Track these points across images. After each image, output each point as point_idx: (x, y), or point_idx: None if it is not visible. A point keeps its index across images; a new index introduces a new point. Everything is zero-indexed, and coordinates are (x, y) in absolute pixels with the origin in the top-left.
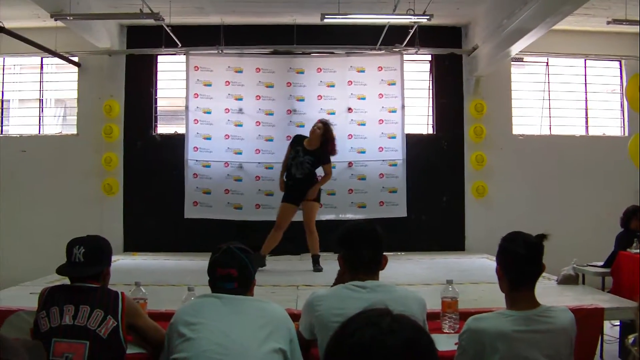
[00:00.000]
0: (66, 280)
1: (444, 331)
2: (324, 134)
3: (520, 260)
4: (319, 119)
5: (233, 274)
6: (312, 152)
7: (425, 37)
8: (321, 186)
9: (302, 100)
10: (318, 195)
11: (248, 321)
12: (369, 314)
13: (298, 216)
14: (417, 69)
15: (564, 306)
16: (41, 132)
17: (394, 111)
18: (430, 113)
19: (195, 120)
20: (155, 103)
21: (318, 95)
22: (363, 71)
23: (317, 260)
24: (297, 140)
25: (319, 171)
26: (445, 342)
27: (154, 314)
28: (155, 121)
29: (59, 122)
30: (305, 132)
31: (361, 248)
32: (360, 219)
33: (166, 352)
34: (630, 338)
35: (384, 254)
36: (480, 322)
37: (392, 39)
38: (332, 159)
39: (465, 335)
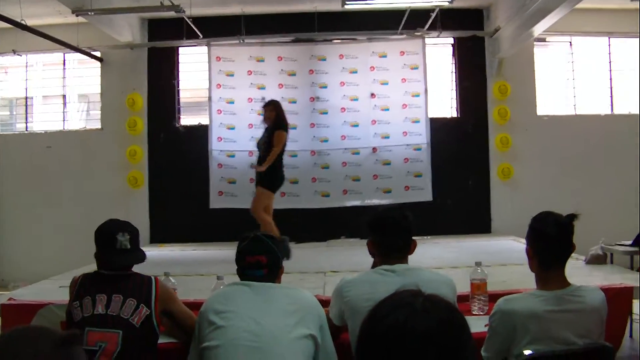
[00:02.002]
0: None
1: (474, 313)
2: (275, 109)
3: (550, 240)
4: (265, 102)
5: (262, 261)
6: (269, 128)
7: (446, 20)
8: (270, 157)
9: (325, 87)
10: (268, 182)
11: (278, 308)
12: (402, 295)
13: (324, 203)
14: (439, 52)
15: (594, 285)
16: (65, 128)
17: (417, 95)
18: (454, 96)
19: (218, 110)
20: (178, 95)
21: (341, 82)
22: (385, 56)
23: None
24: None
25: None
26: (474, 324)
27: (184, 303)
28: (179, 113)
29: (83, 117)
30: (329, 119)
31: (392, 234)
32: (390, 205)
33: (196, 341)
34: None
35: (413, 238)
36: (511, 303)
37: (413, 23)
38: (357, 144)
39: (496, 317)
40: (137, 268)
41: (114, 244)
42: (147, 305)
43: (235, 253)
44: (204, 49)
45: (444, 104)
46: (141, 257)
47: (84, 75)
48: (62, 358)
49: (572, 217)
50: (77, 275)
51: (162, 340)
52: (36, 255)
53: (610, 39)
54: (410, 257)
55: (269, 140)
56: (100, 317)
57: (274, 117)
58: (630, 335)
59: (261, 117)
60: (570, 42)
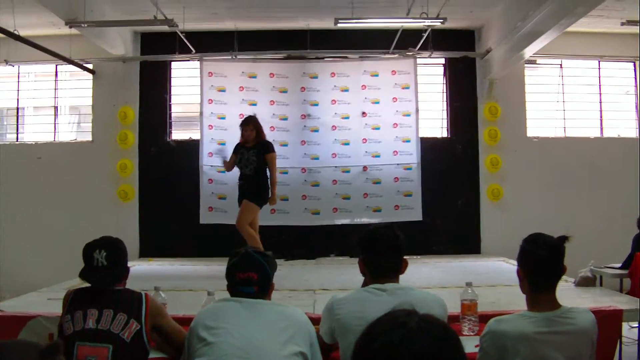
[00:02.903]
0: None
1: (464, 333)
2: (255, 127)
3: (541, 262)
4: (244, 118)
5: (253, 278)
6: (253, 146)
7: (438, 40)
8: (273, 180)
9: (317, 105)
10: (253, 195)
11: (269, 325)
12: (397, 314)
13: (314, 221)
14: (430, 72)
15: (584, 307)
16: (56, 139)
17: (408, 115)
18: (445, 116)
19: (209, 125)
20: (170, 109)
21: (332, 100)
22: (377, 75)
23: None
24: (238, 146)
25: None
26: (465, 344)
27: (173, 318)
28: (170, 127)
29: (74, 129)
30: (320, 137)
31: (382, 253)
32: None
33: (186, 356)
34: None
35: (404, 257)
36: (502, 323)
37: (405, 42)
38: (348, 162)
39: (487, 337)
40: (128, 281)
41: (92, 262)
42: (138, 320)
43: (225, 269)
44: (196, 63)
45: (435, 123)
46: (119, 275)
47: (75, 87)
48: None
49: (563, 239)
50: (70, 289)
51: (152, 355)
52: (24, 266)
53: (601, 62)
54: (400, 276)
55: (257, 159)
56: (91, 331)
57: (255, 135)
58: (620, 358)
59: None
60: (561, 65)
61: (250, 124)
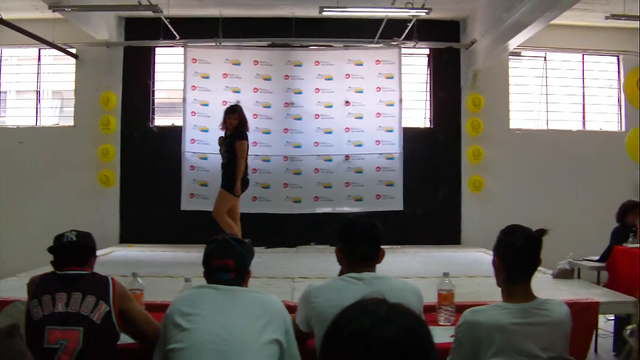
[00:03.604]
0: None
1: (440, 324)
2: (239, 117)
3: (518, 253)
4: (230, 106)
5: (230, 265)
6: (229, 135)
7: (423, 31)
8: (237, 168)
9: (300, 93)
10: (229, 185)
11: (245, 312)
12: (366, 302)
13: (295, 209)
14: (415, 62)
15: (559, 299)
16: (38, 124)
17: (392, 105)
18: (428, 107)
19: (192, 112)
20: (153, 95)
21: (316, 88)
22: (361, 64)
23: None
24: (221, 136)
25: None
26: (441, 334)
27: (150, 305)
28: (153, 113)
29: (56, 114)
30: (303, 125)
31: (360, 242)
32: (359, 212)
33: (162, 343)
34: (628, 329)
35: (381, 247)
36: (477, 314)
37: (390, 32)
38: (330, 151)
39: (462, 328)
40: (104, 266)
41: (61, 238)
42: (106, 302)
43: (203, 255)
44: (180, 50)
45: (418, 114)
46: (86, 253)
47: (58, 72)
48: (3, 350)
49: (542, 232)
50: (35, 275)
51: (127, 340)
52: (4, 251)
53: (585, 55)
54: (378, 266)
55: (230, 149)
56: (61, 315)
57: (237, 124)
58: (595, 351)
59: (221, 122)
60: (545, 57)
61: (235, 113)
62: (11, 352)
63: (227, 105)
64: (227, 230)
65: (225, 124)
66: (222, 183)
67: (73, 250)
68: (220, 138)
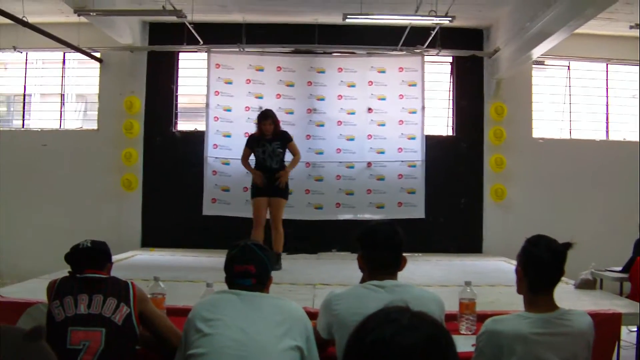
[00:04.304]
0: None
1: (462, 332)
2: (273, 121)
3: (542, 265)
4: (262, 112)
5: (251, 270)
6: (273, 138)
7: (446, 38)
8: (292, 168)
9: (323, 99)
10: (285, 192)
11: (265, 318)
12: (389, 310)
13: (317, 215)
14: (438, 70)
15: (582, 310)
16: (62, 127)
17: (414, 112)
18: (450, 115)
19: (215, 117)
20: (176, 100)
21: (338, 95)
22: (384, 72)
23: (278, 258)
24: (254, 139)
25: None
26: (462, 343)
27: (171, 309)
28: (176, 118)
29: (80, 117)
30: (325, 131)
31: (382, 249)
32: (381, 220)
33: (183, 348)
34: None
35: (403, 255)
36: (499, 323)
37: (413, 40)
38: (352, 158)
39: (483, 337)
40: (126, 270)
41: (77, 246)
42: (127, 305)
43: (224, 261)
44: (204, 55)
45: (440, 122)
46: (102, 258)
47: (82, 75)
48: (28, 353)
49: (567, 245)
50: (54, 278)
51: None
52: (27, 253)
53: (608, 65)
54: (400, 273)
55: (283, 151)
56: (83, 316)
57: (274, 128)
58: None
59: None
60: (569, 66)
61: (269, 118)
62: (35, 355)
63: (259, 112)
64: (280, 241)
65: (260, 131)
66: (275, 192)
67: (90, 255)
68: (254, 139)
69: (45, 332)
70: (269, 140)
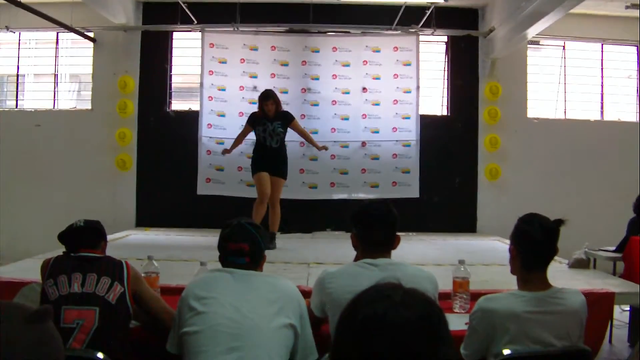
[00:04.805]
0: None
1: (455, 311)
2: (275, 102)
3: (535, 243)
4: (263, 92)
5: (245, 249)
6: (275, 118)
7: (441, 18)
8: (313, 139)
9: (317, 79)
10: (285, 172)
11: (259, 296)
12: (381, 287)
13: (311, 195)
14: (432, 50)
15: (575, 289)
16: (56, 107)
17: (409, 92)
18: (445, 94)
19: (209, 97)
20: (170, 79)
21: (333, 75)
22: (378, 51)
23: (273, 237)
24: (256, 118)
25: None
26: (455, 321)
27: (165, 288)
28: (170, 97)
29: (74, 97)
30: (320, 111)
31: (375, 227)
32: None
33: (177, 326)
34: None
35: (397, 233)
36: (492, 302)
37: (408, 19)
38: (347, 138)
39: (476, 315)
40: (120, 249)
41: (71, 226)
42: (121, 284)
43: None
44: (198, 34)
45: (435, 101)
46: (96, 237)
47: (76, 55)
48: (33, 333)
49: (559, 222)
50: (48, 257)
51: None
52: (21, 233)
53: (604, 45)
54: (394, 252)
55: (283, 130)
56: (77, 295)
57: (275, 108)
58: (610, 341)
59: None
60: (564, 46)
61: (270, 99)
62: (41, 337)
63: (261, 92)
64: (276, 220)
65: (262, 111)
66: (276, 171)
67: (84, 234)
68: (255, 118)
69: (52, 313)
70: (270, 120)
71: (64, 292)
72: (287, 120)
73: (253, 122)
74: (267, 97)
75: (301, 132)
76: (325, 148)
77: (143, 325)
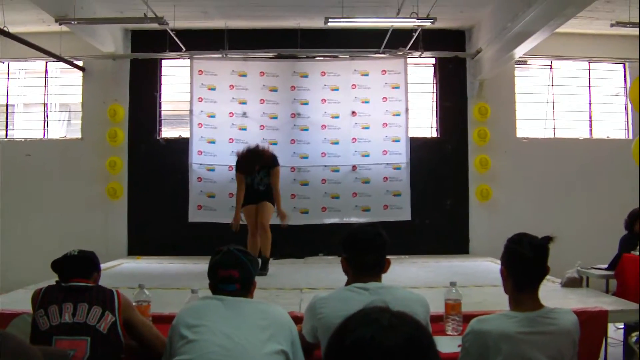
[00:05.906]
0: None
1: (448, 333)
2: (261, 163)
3: (525, 262)
4: (252, 155)
5: (235, 275)
6: (261, 168)
7: (429, 40)
8: (278, 195)
9: (307, 104)
10: (271, 197)
11: (250, 323)
12: (369, 311)
13: (303, 220)
14: (420, 72)
15: (567, 308)
16: (46, 136)
17: (398, 114)
18: (434, 116)
19: (199, 124)
20: (160, 107)
21: (322, 99)
22: (367, 75)
23: (266, 262)
24: (245, 168)
25: None
26: (448, 344)
27: (157, 316)
28: (160, 125)
29: (64, 126)
30: (309, 136)
31: (364, 252)
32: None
33: (168, 355)
34: (634, 336)
35: (387, 257)
36: (484, 323)
37: (395, 42)
38: (337, 162)
39: (469, 337)
40: (112, 278)
41: (65, 255)
42: (112, 313)
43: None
44: (187, 62)
45: (425, 123)
46: (89, 266)
47: (65, 85)
48: None
49: (548, 239)
50: (39, 287)
51: None
52: (12, 263)
53: (591, 63)
54: (387, 275)
55: (268, 175)
56: (68, 325)
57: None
58: (605, 359)
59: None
60: (551, 65)
61: (257, 165)
62: None
63: (249, 151)
64: (267, 243)
65: (249, 167)
66: (264, 198)
67: (77, 263)
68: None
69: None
70: (258, 170)
71: (54, 322)
72: (270, 167)
73: (242, 171)
74: (254, 163)
75: (273, 184)
76: (286, 224)
77: (135, 354)
